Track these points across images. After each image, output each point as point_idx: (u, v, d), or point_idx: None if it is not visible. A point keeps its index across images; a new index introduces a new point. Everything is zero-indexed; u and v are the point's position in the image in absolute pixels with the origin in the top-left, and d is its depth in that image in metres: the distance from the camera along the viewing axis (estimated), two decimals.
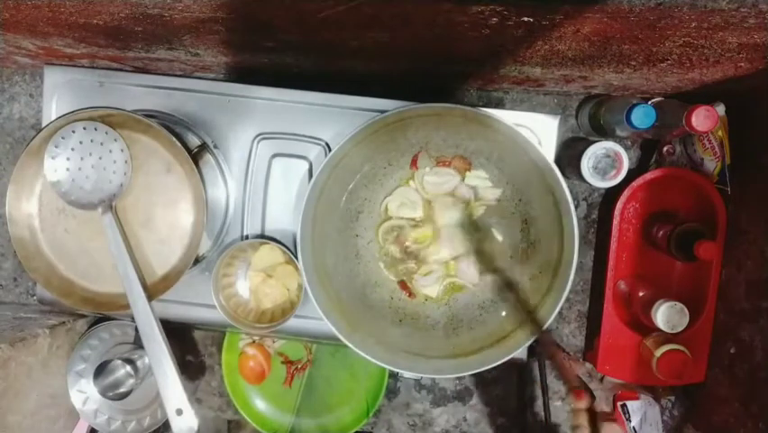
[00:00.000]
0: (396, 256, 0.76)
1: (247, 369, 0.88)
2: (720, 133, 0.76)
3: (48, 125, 0.66)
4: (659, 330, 0.76)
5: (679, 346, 0.76)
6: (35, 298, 0.80)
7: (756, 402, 0.71)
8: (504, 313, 0.73)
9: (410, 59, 0.69)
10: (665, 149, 0.81)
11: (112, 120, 0.67)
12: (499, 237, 0.75)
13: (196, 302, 0.75)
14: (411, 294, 0.76)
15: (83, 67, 0.77)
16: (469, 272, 0.75)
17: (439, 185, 0.74)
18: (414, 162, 0.74)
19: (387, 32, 0.58)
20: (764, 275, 0.72)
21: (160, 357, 0.64)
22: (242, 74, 0.82)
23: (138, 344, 0.76)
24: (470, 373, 0.68)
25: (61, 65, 0.76)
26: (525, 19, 0.50)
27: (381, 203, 0.75)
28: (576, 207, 0.85)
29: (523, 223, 0.73)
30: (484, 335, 0.71)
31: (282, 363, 0.90)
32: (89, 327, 0.86)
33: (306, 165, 0.74)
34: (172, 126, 0.71)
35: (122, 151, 0.68)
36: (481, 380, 0.92)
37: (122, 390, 0.75)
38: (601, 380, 0.85)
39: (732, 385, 0.76)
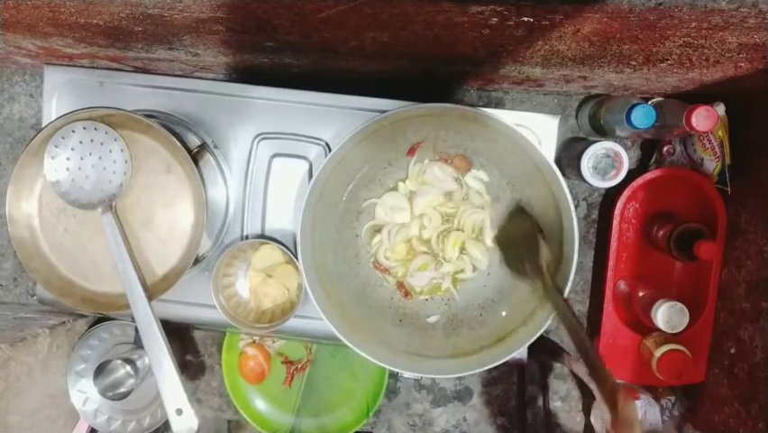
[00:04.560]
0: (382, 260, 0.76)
1: (247, 369, 0.88)
2: (720, 133, 0.76)
3: (48, 125, 0.66)
4: (659, 330, 0.76)
5: (679, 346, 0.76)
6: (35, 298, 0.80)
7: (756, 402, 0.71)
8: (504, 313, 0.73)
9: (410, 59, 0.69)
10: (665, 149, 0.81)
11: (112, 120, 0.67)
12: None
13: (196, 302, 0.75)
14: (408, 294, 0.76)
15: (83, 67, 0.77)
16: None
17: (439, 180, 0.74)
18: (412, 151, 0.73)
19: (387, 32, 0.58)
20: (764, 275, 0.72)
21: (160, 357, 0.64)
22: (242, 74, 0.82)
23: (138, 344, 0.76)
24: (470, 372, 0.68)
25: (61, 65, 0.76)
26: (525, 19, 0.50)
27: (365, 203, 0.75)
28: (576, 207, 0.85)
29: None
30: (484, 335, 0.71)
31: (282, 363, 0.90)
32: (89, 327, 0.86)
33: (306, 165, 0.74)
34: (172, 126, 0.71)
35: (122, 151, 0.68)
36: (481, 380, 0.92)
37: (122, 390, 0.75)
38: None
39: (732, 385, 0.76)
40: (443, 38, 0.58)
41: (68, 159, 0.67)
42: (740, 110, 0.75)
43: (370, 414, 0.88)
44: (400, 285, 0.76)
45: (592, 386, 0.85)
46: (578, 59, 0.64)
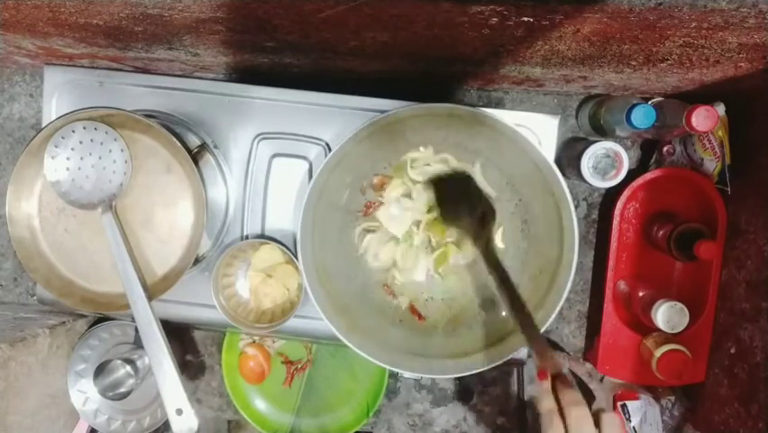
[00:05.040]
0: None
1: (247, 369, 0.88)
2: (720, 133, 0.76)
3: (48, 125, 0.66)
4: (659, 330, 0.76)
5: (679, 346, 0.76)
6: (35, 298, 0.80)
7: (756, 402, 0.71)
8: (504, 313, 0.73)
9: (410, 59, 0.69)
10: (665, 149, 0.81)
11: (112, 120, 0.67)
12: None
13: (196, 302, 0.75)
14: (420, 318, 0.75)
15: (83, 67, 0.77)
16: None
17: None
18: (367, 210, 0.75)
19: (387, 32, 0.58)
20: (764, 275, 0.72)
21: (160, 357, 0.64)
22: (242, 74, 0.82)
23: (138, 344, 0.76)
24: (470, 373, 0.68)
25: (61, 65, 0.76)
26: (525, 19, 0.50)
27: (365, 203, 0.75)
28: (576, 207, 0.85)
29: (523, 223, 0.73)
30: (484, 335, 0.71)
31: (282, 363, 0.90)
32: (89, 327, 0.86)
33: (306, 165, 0.74)
34: (172, 126, 0.71)
35: (122, 151, 0.68)
36: (481, 380, 0.92)
37: (122, 390, 0.75)
38: (601, 380, 0.85)
39: (732, 385, 0.76)
40: (443, 38, 0.58)
41: (68, 159, 0.67)
42: (740, 110, 0.75)
43: (370, 414, 0.88)
44: (413, 309, 0.76)
45: (592, 386, 0.85)
46: (578, 59, 0.64)
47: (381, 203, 0.75)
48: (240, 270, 0.77)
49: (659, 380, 0.77)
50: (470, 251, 0.75)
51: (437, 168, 0.73)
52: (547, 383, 0.56)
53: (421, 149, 0.73)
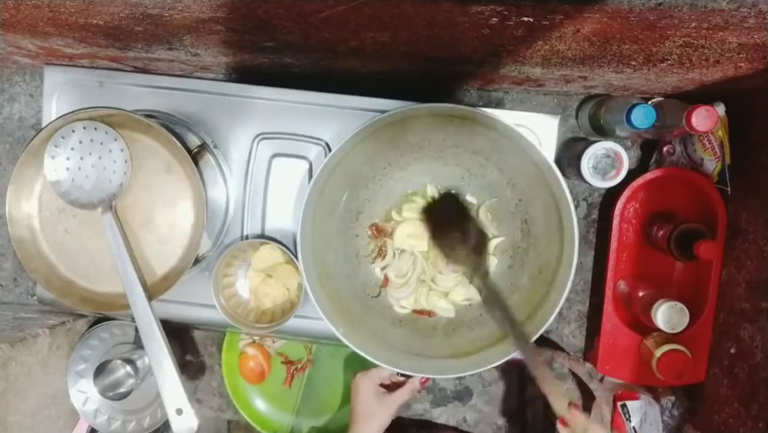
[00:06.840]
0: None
1: (247, 369, 0.88)
2: (720, 133, 0.76)
3: (48, 125, 0.66)
4: (659, 330, 0.76)
5: (679, 346, 0.76)
6: (35, 298, 0.80)
7: (756, 402, 0.71)
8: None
9: (410, 59, 0.69)
10: (665, 149, 0.81)
11: (112, 120, 0.67)
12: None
13: (196, 302, 0.75)
14: (430, 314, 0.76)
15: (83, 67, 0.77)
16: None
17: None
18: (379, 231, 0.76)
19: (387, 32, 0.58)
20: (764, 275, 0.72)
21: (160, 357, 0.64)
22: (242, 74, 0.82)
23: (138, 344, 0.76)
24: (470, 373, 0.68)
25: (61, 65, 0.76)
26: (525, 19, 0.50)
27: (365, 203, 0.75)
28: (576, 207, 0.85)
29: (523, 223, 0.73)
30: (484, 335, 0.71)
31: (282, 363, 0.90)
32: (89, 327, 0.86)
33: (306, 165, 0.74)
34: (172, 126, 0.71)
35: (122, 150, 0.68)
36: (481, 380, 0.92)
37: (122, 390, 0.75)
38: (601, 380, 0.85)
39: (732, 385, 0.76)
40: (443, 38, 0.58)
41: (68, 159, 0.67)
42: (740, 110, 0.75)
43: None
44: (419, 311, 0.76)
45: (592, 386, 0.85)
46: (578, 59, 0.64)
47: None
48: (240, 270, 0.77)
49: (659, 380, 0.77)
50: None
51: (426, 198, 0.75)
52: (577, 414, 0.57)
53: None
